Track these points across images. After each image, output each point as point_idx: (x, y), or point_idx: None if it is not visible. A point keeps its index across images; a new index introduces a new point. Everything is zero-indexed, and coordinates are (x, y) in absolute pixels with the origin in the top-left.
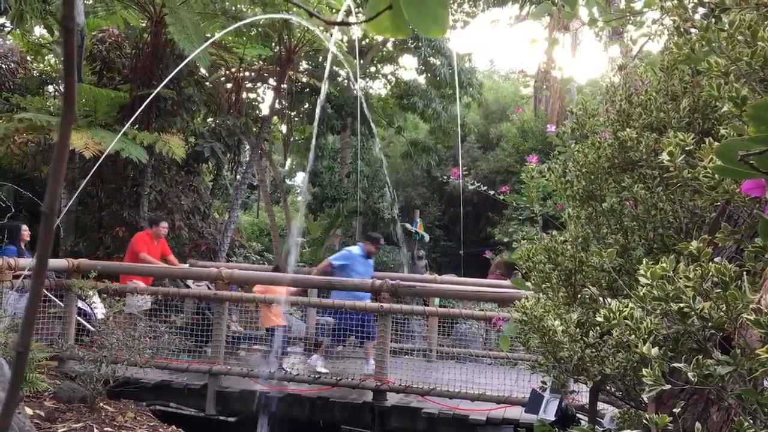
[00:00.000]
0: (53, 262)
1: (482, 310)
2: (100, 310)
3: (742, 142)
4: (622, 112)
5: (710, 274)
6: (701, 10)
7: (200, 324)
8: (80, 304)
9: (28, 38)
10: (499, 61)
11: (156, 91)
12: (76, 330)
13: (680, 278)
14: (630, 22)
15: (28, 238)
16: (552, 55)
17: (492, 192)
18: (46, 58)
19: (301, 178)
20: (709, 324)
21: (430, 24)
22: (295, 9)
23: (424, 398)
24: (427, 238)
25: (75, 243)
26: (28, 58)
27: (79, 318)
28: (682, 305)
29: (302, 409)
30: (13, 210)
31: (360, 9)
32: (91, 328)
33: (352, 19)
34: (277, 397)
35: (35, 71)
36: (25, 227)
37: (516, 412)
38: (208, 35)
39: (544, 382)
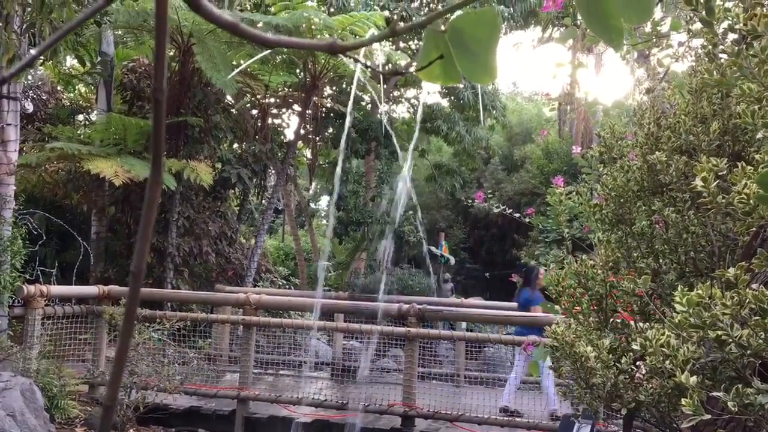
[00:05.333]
0: (84, 289)
1: (509, 333)
2: None
3: None
4: (651, 135)
5: (747, 301)
6: (732, 36)
7: None
8: None
9: (59, 69)
10: (522, 83)
11: (184, 119)
12: None
13: (717, 305)
14: (656, 44)
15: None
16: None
17: (517, 214)
18: (76, 88)
19: (326, 202)
20: (748, 352)
21: (481, 73)
22: (319, 36)
23: (453, 424)
24: (452, 260)
25: (105, 269)
26: (59, 87)
27: None
28: (719, 333)
29: None
30: (45, 237)
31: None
32: None
33: (375, 46)
34: (304, 422)
35: (66, 101)
36: (542, 270)
37: None
38: (235, 63)
39: (576, 408)
